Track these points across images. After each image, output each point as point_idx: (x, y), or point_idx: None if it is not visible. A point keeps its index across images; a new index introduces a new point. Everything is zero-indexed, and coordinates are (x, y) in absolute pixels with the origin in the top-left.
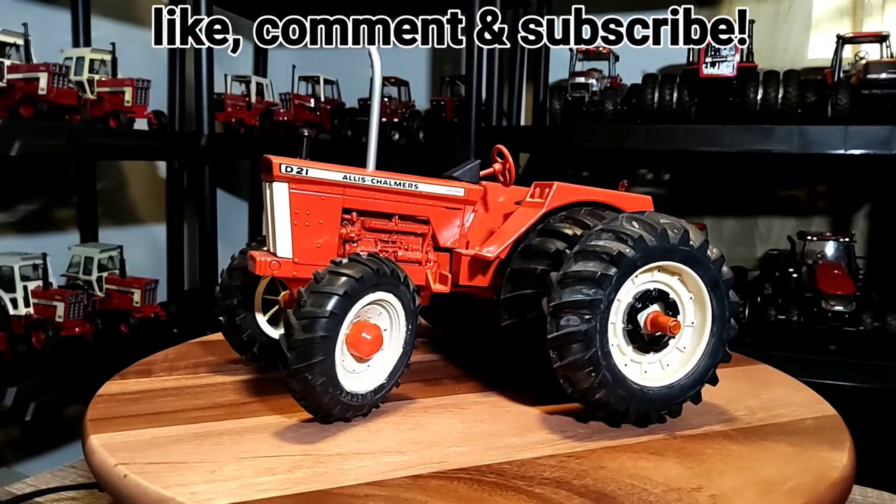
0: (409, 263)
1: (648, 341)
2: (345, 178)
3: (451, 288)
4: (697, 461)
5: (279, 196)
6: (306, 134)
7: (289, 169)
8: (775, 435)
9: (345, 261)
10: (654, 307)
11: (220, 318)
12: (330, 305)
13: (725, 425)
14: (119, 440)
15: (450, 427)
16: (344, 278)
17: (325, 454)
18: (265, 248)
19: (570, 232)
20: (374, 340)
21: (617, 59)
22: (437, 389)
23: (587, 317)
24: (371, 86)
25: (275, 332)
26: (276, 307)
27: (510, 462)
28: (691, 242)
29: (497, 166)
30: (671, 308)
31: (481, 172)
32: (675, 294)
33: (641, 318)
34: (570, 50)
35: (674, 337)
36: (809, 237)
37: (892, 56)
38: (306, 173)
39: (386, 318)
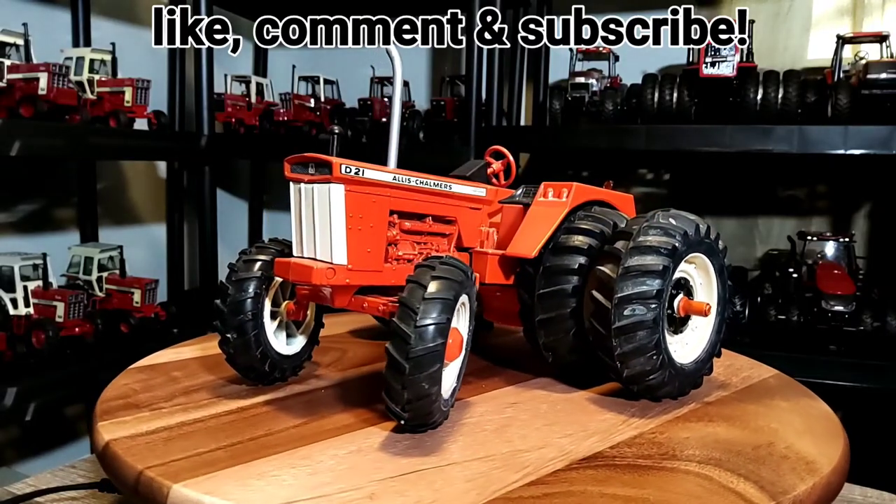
0: None
1: (677, 323)
2: (394, 179)
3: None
4: (742, 422)
5: (336, 198)
6: (337, 131)
7: (348, 169)
8: (764, 393)
9: (437, 264)
10: (681, 293)
11: (229, 335)
12: (444, 312)
13: (724, 391)
14: (220, 484)
15: (530, 423)
16: (448, 282)
17: (458, 462)
18: (297, 255)
19: (596, 229)
20: (459, 344)
21: (617, 59)
22: (470, 388)
23: (653, 305)
24: (392, 84)
25: (282, 346)
26: (279, 319)
27: (617, 445)
28: (711, 235)
29: (496, 166)
30: (689, 293)
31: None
32: (692, 280)
33: (676, 303)
34: (570, 50)
35: (690, 318)
36: (809, 237)
37: (892, 56)
38: (362, 174)
39: (455, 320)
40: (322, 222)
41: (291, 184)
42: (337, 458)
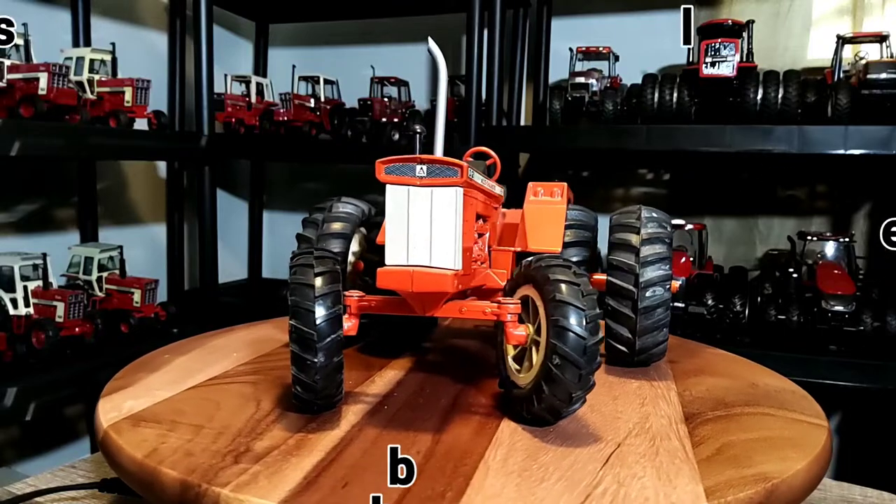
0: (482, 264)
1: None
2: (482, 181)
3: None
4: (716, 373)
5: (459, 202)
6: (419, 131)
7: (470, 173)
8: (684, 352)
9: (567, 263)
10: None
11: (316, 360)
12: (599, 306)
13: (672, 353)
14: None
15: (600, 399)
16: (587, 278)
17: (624, 443)
18: (399, 262)
19: (587, 224)
20: None
21: (617, 58)
22: None
23: (668, 286)
24: (437, 80)
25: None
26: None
27: (685, 404)
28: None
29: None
30: None
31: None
32: None
33: None
34: (570, 49)
35: None
36: (809, 237)
37: (892, 56)
38: (472, 177)
39: None
40: (444, 227)
41: (392, 187)
42: (530, 462)
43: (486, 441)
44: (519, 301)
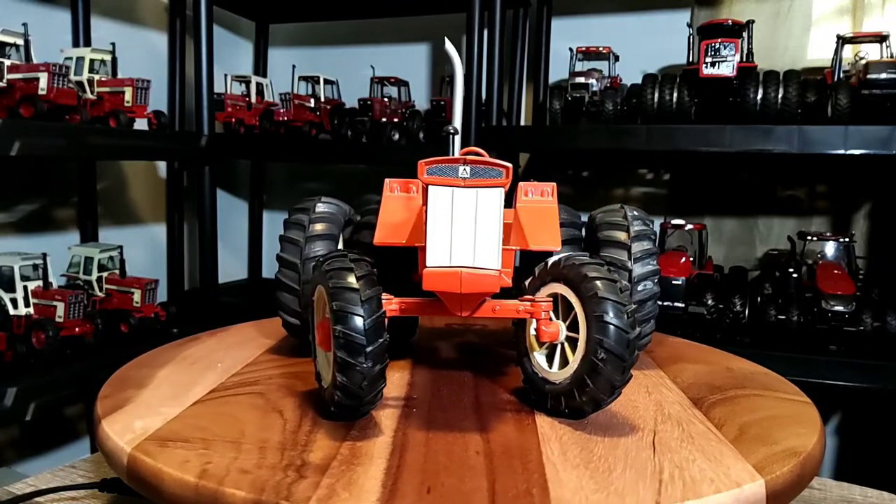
0: None
1: None
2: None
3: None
4: (691, 360)
5: (501, 202)
6: (453, 132)
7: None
8: (670, 341)
9: (596, 259)
10: None
11: (366, 365)
12: (631, 301)
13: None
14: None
15: (632, 391)
16: (617, 275)
17: (655, 431)
18: (442, 264)
19: (575, 223)
20: None
21: (617, 58)
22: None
23: (656, 280)
24: (453, 81)
25: None
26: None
27: (686, 388)
28: None
29: None
30: None
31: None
32: None
33: None
34: (570, 49)
35: None
36: (809, 237)
37: (892, 56)
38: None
39: None
40: (488, 228)
41: (435, 188)
42: (588, 455)
43: (533, 437)
44: (551, 299)
